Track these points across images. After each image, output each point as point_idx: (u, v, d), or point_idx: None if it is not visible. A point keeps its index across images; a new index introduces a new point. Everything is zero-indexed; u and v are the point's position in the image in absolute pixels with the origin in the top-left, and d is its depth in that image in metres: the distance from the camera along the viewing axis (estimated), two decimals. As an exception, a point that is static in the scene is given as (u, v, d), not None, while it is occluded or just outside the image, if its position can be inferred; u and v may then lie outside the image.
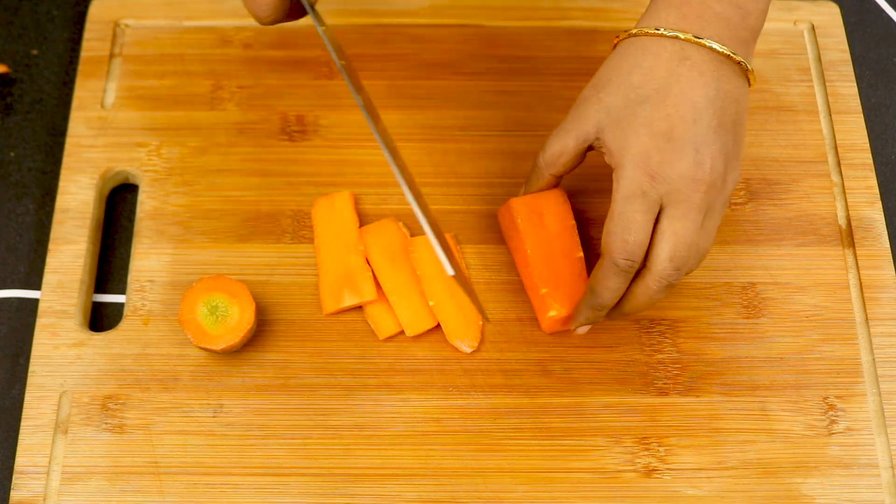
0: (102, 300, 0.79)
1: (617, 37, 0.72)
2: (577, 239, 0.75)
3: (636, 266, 0.68)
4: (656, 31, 0.69)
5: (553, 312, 0.74)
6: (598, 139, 0.70)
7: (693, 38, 0.68)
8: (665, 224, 0.67)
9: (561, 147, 0.72)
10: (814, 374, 0.76)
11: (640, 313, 0.77)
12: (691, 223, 0.67)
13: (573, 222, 0.76)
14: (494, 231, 0.80)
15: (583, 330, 0.74)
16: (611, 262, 0.68)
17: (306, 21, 0.89)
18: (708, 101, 0.67)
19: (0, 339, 0.78)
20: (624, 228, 0.67)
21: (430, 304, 0.76)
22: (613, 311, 0.72)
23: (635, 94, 0.68)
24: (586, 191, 0.82)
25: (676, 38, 0.68)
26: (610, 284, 0.69)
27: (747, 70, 0.69)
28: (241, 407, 0.74)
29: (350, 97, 0.85)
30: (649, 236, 0.68)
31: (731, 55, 0.68)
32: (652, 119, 0.67)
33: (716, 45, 0.68)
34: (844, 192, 0.82)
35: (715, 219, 0.69)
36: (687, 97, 0.67)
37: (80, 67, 0.86)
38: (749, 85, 0.70)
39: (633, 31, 0.70)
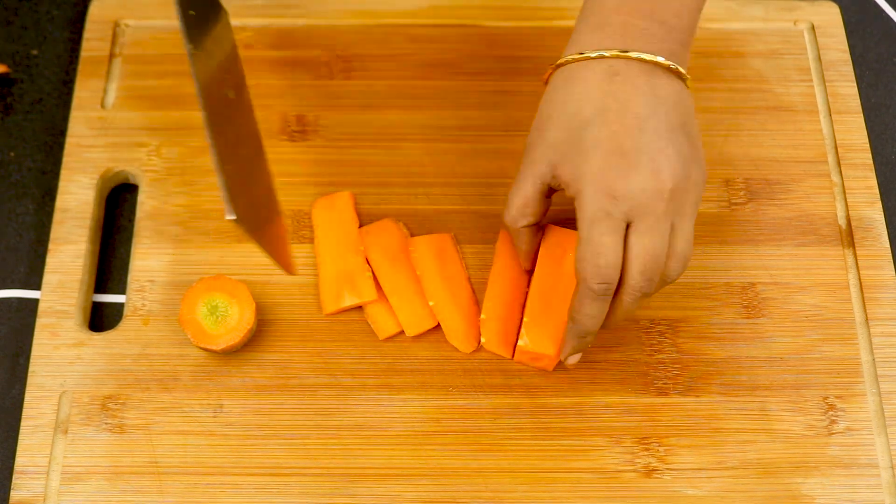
0: (102, 300, 0.79)
1: (546, 73, 0.71)
2: None
3: (612, 288, 0.67)
4: (581, 56, 0.68)
5: (522, 342, 0.73)
6: (554, 177, 0.69)
7: (619, 53, 0.67)
8: (633, 239, 0.66)
9: (522, 198, 0.71)
10: (814, 374, 0.76)
11: (637, 315, 0.77)
12: (658, 234, 0.66)
13: None
14: (494, 231, 0.80)
15: (573, 360, 0.73)
16: (587, 289, 0.67)
17: (306, 21, 0.89)
18: (650, 110, 0.67)
19: (0, 339, 0.78)
20: (594, 253, 0.66)
21: (430, 304, 0.76)
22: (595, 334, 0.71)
23: (576, 121, 0.67)
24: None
25: (602, 56, 0.68)
26: (589, 311, 0.68)
27: (681, 75, 0.69)
28: (241, 407, 0.74)
29: (349, 97, 0.85)
30: (621, 257, 0.67)
31: (661, 62, 0.67)
32: (599, 140, 0.67)
33: (643, 55, 0.67)
34: (844, 192, 0.82)
35: (687, 222, 0.68)
36: (627, 110, 0.67)
37: (80, 67, 0.86)
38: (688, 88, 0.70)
39: (559, 62, 0.70)
